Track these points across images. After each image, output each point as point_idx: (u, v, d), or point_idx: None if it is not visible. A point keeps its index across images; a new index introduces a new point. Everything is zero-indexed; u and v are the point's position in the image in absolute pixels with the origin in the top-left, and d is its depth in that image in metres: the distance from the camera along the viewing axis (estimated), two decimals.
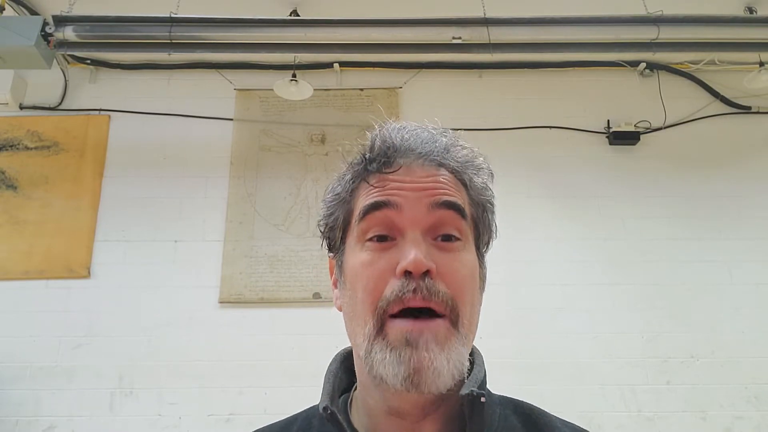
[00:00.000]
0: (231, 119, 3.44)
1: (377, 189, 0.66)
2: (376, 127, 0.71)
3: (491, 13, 2.78)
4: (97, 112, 3.44)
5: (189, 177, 3.34)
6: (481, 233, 0.71)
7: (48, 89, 3.44)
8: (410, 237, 0.63)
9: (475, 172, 0.71)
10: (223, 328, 3.07)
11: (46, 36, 2.70)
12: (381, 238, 0.65)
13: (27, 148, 3.34)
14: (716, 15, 2.84)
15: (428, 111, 3.48)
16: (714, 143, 3.45)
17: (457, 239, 0.66)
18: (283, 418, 0.85)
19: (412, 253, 0.60)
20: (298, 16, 3.14)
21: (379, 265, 0.63)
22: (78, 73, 3.51)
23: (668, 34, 2.78)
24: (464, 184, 0.70)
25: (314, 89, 3.29)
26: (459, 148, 0.71)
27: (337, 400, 0.72)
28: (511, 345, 3.03)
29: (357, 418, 0.71)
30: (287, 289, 3.11)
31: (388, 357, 0.60)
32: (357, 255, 0.66)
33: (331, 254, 0.74)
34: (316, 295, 3.10)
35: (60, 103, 3.45)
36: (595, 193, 3.32)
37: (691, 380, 3.01)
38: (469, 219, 0.68)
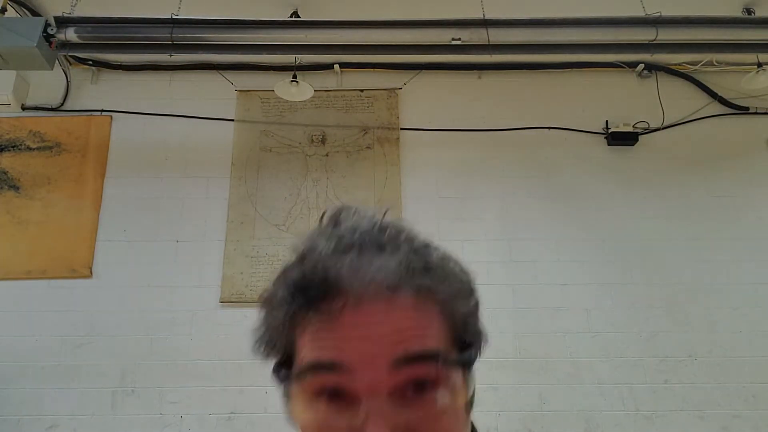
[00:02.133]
0: (232, 120, 3.46)
1: (318, 338, 0.52)
2: (311, 230, 0.56)
3: (490, 15, 2.79)
4: (98, 112, 3.46)
5: (190, 177, 3.35)
6: (467, 349, 0.56)
7: (50, 90, 3.46)
8: (370, 408, 0.49)
9: (448, 283, 0.55)
10: (224, 327, 3.08)
11: (48, 37, 2.71)
12: (333, 394, 0.51)
13: (29, 148, 3.35)
14: (714, 16, 2.85)
15: (428, 112, 3.49)
16: (712, 144, 3.46)
17: (435, 386, 0.51)
18: None
19: None
20: (299, 17, 3.15)
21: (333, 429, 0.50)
22: (80, 74, 3.52)
23: (666, 35, 2.79)
24: (436, 303, 0.54)
25: (315, 90, 3.31)
26: (422, 255, 0.54)
27: None
28: (510, 344, 3.04)
29: None
30: None
31: None
32: (306, 410, 0.52)
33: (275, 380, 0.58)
34: None
35: (62, 104, 3.46)
36: (594, 194, 3.34)
37: (689, 379, 3.03)
38: (448, 347, 0.54)
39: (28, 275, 3.14)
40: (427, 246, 0.56)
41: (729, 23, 2.86)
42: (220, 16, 2.82)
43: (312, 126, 3.46)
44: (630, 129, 3.40)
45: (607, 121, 3.45)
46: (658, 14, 2.79)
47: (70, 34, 2.76)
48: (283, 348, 0.56)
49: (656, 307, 3.15)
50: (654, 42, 2.79)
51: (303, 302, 0.52)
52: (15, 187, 3.28)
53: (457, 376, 0.53)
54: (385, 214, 0.57)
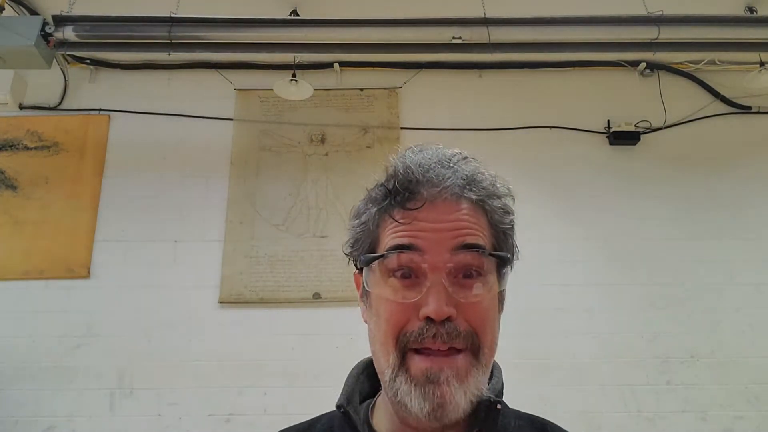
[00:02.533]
0: (231, 119, 3.44)
1: (401, 228, 0.68)
2: (398, 155, 0.73)
3: (491, 13, 2.78)
4: (96, 112, 3.44)
5: (189, 177, 3.34)
6: (503, 259, 0.72)
7: (48, 89, 3.44)
8: (432, 281, 0.65)
9: (495, 199, 0.72)
10: (223, 328, 3.07)
11: (45, 36, 2.70)
12: (405, 275, 0.67)
13: (27, 148, 3.34)
14: (716, 15, 2.84)
15: (428, 111, 3.48)
16: (714, 143, 3.45)
17: (479, 275, 0.68)
18: (308, 418, 0.88)
19: (434, 302, 0.64)
20: (298, 16, 3.14)
21: (402, 302, 0.67)
22: (78, 73, 3.51)
23: (668, 34, 2.78)
24: (485, 213, 0.71)
25: (314, 89, 3.29)
26: (479, 176, 0.72)
27: (356, 402, 0.78)
28: (511, 345, 3.02)
29: (379, 422, 0.75)
30: (287, 289, 3.11)
31: (413, 392, 0.65)
32: (382, 286, 0.69)
33: (357, 271, 0.76)
34: (316, 295, 3.10)
35: (60, 103, 3.45)
36: (595, 193, 3.32)
37: (691, 380, 3.01)
38: (490, 248, 0.70)
39: (26, 275, 3.12)
40: (483, 171, 0.73)
41: (731, 22, 2.85)
42: (219, 15, 2.81)
43: (311, 125, 3.45)
44: (632, 128, 3.38)
45: (608, 121, 3.43)
46: (660, 13, 2.78)
47: (68, 33, 2.75)
48: (369, 240, 0.72)
49: (658, 307, 3.14)
50: (656, 41, 2.78)
51: (393, 200, 0.69)
52: (12, 187, 3.26)
53: (492, 273, 0.69)
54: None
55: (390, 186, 0.70)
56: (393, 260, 0.68)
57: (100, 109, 3.45)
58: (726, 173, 3.38)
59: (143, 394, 2.97)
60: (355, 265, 0.75)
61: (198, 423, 2.92)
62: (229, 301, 3.11)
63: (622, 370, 3.02)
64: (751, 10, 3.18)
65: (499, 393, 0.74)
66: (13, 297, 3.10)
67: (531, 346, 3.04)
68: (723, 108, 3.50)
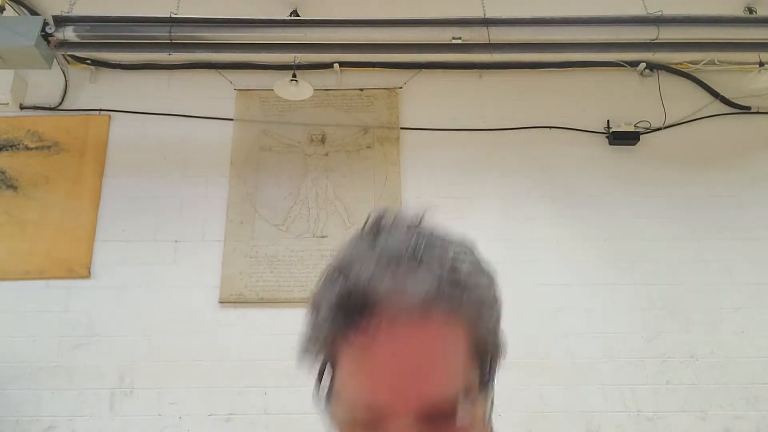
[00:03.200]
0: (231, 119, 3.45)
1: (356, 368, 0.56)
2: (348, 243, 0.60)
3: (491, 14, 2.78)
4: (97, 112, 3.45)
5: (189, 177, 3.34)
6: (488, 369, 0.61)
7: (48, 89, 3.44)
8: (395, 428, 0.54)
9: (474, 293, 0.58)
10: (223, 328, 3.07)
11: (46, 36, 2.70)
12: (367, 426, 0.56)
13: (27, 148, 3.34)
14: (716, 15, 2.84)
15: (428, 111, 3.48)
16: (714, 143, 3.45)
17: (454, 415, 0.56)
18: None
19: None
20: (298, 16, 3.14)
21: None
22: (78, 73, 3.51)
23: (668, 34, 2.78)
24: (462, 321, 0.57)
25: (314, 89, 3.29)
26: (453, 272, 0.57)
27: None
28: (510, 345, 3.01)
29: None
30: (287, 288, 3.12)
31: None
32: (341, 426, 0.59)
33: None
34: None
35: (60, 103, 3.45)
36: (595, 193, 3.32)
37: (691, 380, 3.01)
38: (470, 364, 0.58)
39: (26, 275, 3.12)
40: (458, 255, 0.58)
41: (730, 22, 2.85)
42: (219, 15, 2.81)
43: (311, 125, 3.45)
44: (631, 128, 3.38)
45: (608, 121, 3.43)
46: (660, 13, 2.78)
47: (69, 33, 2.75)
48: (324, 359, 0.61)
49: (658, 307, 3.14)
50: (655, 41, 2.78)
51: (343, 322, 0.55)
52: (13, 187, 3.26)
53: (475, 402, 0.57)
54: (421, 219, 0.62)
55: (337, 297, 0.56)
56: (347, 417, 0.57)
57: (101, 110, 3.45)
58: (725, 173, 3.38)
59: (143, 394, 2.98)
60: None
61: (198, 423, 2.92)
62: (229, 301, 3.11)
63: (621, 370, 3.02)
64: (750, 10, 3.18)
65: None
66: (14, 297, 3.10)
67: (531, 346, 3.04)
68: (722, 108, 3.50)
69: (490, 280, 0.62)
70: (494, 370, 0.61)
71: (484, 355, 0.60)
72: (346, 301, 0.55)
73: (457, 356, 0.56)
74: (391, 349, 0.53)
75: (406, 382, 0.53)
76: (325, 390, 0.61)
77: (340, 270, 0.57)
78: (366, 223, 0.61)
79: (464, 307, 0.56)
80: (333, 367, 0.60)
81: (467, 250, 0.61)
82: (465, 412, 0.55)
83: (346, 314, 0.55)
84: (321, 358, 0.61)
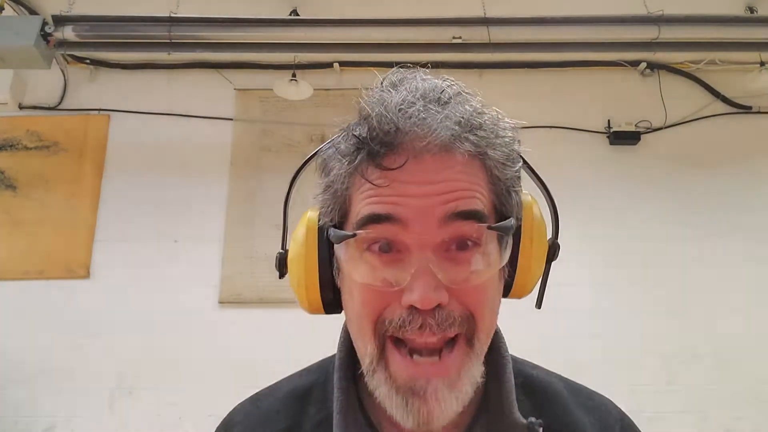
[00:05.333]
0: (231, 119, 3.44)
1: (376, 194, 0.55)
2: (371, 93, 0.58)
3: (491, 13, 2.78)
4: (96, 111, 3.44)
5: (189, 177, 3.33)
6: (505, 218, 0.59)
7: (47, 89, 3.43)
8: (418, 260, 0.53)
9: (498, 149, 0.58)
10: (223, 328, 3.07)
11: (45, 36, 2.70)
12: (384, 248, 0.56)
13: (26, 148, 3.33)
14: (717, 15, 2.84)
15: None
16: (715, 143, 3.44)
17: (476, 245, 0.56)
18: (296, 378, 0.80)
19: (420, 289, 0.52)
20: (298, 15, 3.13)
21: (381, 283, 0.55)
22: (77, 73, 3.50)
23: (669, 33, 2.78)
24: (484, 167, 0.58)
25: (314, 89, 3.29)
26: (477, 118, 0.57)
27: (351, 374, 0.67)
28: (510, 344, 3.02)
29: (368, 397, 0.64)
30: (287, 289, 3.08)
31: (394, 399, 0.56)
32: (356, 263, 0.57)
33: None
34: None
35: (59, 103, 3.44)
36: (596, 193, 3.32)
37: (692, 380, 3.01)
38: (490, 211, 0.58)
39: (25, 275, 3.12)
40: (483, 110, 0.58)
41: (732, 22, 2.85)
42: (219, 15, 2.81)
43: (311, 125, 3.44)
44: (632, 128, 3.37)
45: (609, 121, 3.43)
46: (661, 12, 2.78)
47: (68, 33, 2.75)
48: (339, 206, 0.60)
49: (658, 307, 3.13)
50: (656, 41, 2.78)
51: (367, 155, 0.55)
52: (12, 187, 3.26)
53: (493, 243, 0.57)
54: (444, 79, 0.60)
55: (361, 136, 0.56)
56: (367, 236, 0.55)
57: (100, 109, 3.44)
58: (726, 173, 3.37)
59: (143, 394, 2.97)
60: (327, 239, 0.61)
61: (198, 423, 2.92)
62: (229, 301, 3.11)
63: (621, 370, 3.02)
64: (751, 9, 3.17)
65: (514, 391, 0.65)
66: (13, 297, 3.09)
67: (530, 346, 3.03)
68: (723, 108, 3.49)
69: (513, 135, 0.61)
70: (510, 228, 0.58)
71: (503, 205, 0.59)
72: (373, 134, 0.54)
73: (479, 191, 0.56)
74: (414, 178, 0.54)
75: (431, 197, 0.53)
76: (339, 238, 0.58)
77: (363, 115, 0.57)
78: (383, 81, 0.60)
79: (486, 153, 0.57)
80: (346, 214, 0.59)
81: (490, 106, 0.61)
82: (483, 253, 0.55)
83: (371, 149, 0.55)
84: (334, 208, 0.61)
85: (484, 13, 2.78)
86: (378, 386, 0.57)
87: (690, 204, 3.30)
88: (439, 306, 0.53)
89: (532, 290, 0.68)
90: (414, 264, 0.53)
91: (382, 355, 0.57)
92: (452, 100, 0.57)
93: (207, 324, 3.07)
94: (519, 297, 0.68)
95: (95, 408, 2.94)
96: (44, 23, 2.70)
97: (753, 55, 3.23)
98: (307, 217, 0.68)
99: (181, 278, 3.15)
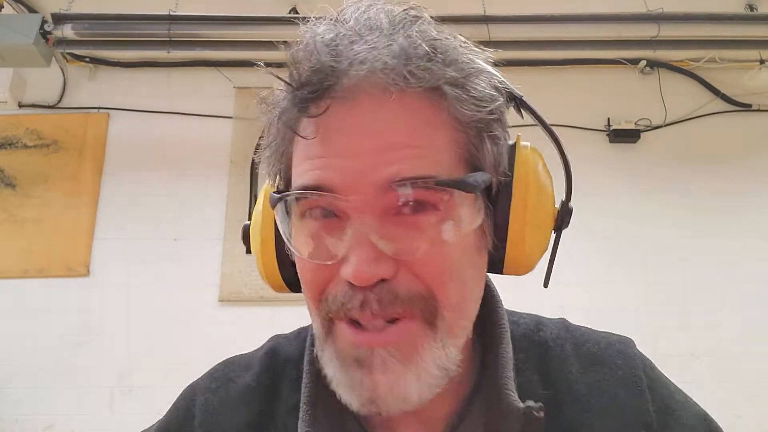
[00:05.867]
0: (230, 117, 3.44)
1: (306, 153, 0.47)
2: (309, 23, 0.50)
3: (491, 11, 2.77)
4: (96, 110, 3.43)
5: (188, 175, 3.33)
6: (479, 168, 0.48)
7: (47, 87, 3.43)
8: (354, 228, 0.44)
9: (455, 79, 0.46)
10: (222, 326, 3.07)
11: (44, 34, 2.70)
12: (326, 214, 0.47)
13: (26, 146, 3.33)
14: (717, 13, 2.84)
15: None
16: (714, 141, 3.44)
17: (433, 208, 0.45)
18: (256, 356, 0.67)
19: (354, 261, 0.44)
20: (298, 14, 3.13)
21: (319, 256, 0.47)
22: (77, 71, 3.50)
23: (668, 31, 2.78)
24: (439, 105, 0.46)
25: None
26: (432, 44, 0.45)
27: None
28: None
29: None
30: None
31: (339, 376, 0.48)
32: (297, 229, 0.49)
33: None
34: None
35: (59, 101, 3.43)
36: (595, 192, 3.31)
37: (692, 379, 3.00)
38: (454, 165, 0.47)
39: (25, 274, 3.11)
40: (442, 37, 0.46)
41: (731, 20, 2.85)
42: (218, 13, 2.81)
43: None
44: (632, 126, 3.37)
45: (608, 119, 3.42)
46: (661, 10, 2.77)
47: (67, 31, 2.75)
48: (280, 164, 0.52)
49: (658, 306, 3.13)
50: (656, 38, 2.78)
51: (293, 103, 0.48)
52: (11, 185, 3.25)
53: (464, 205, 0.46)
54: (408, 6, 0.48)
55: (289, 78, 0.48)
56: (302, 202, 0.47)
57: (99, 107, 3.44)
58: (726, 171, 3.37)
59: (143, 393, 2.97)
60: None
61: None
62: (229, 299, 3.10)
63: None
64: (751, 8, 3.17)
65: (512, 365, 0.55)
66: (12, 295, 3.09)
67: None
68: (723, 106, 3.49)
69: (482, 65, 0.49)
70: (488, 180, 0.47)
71: (476, 152, 0.48)
72: (296, 80, 0.46)
73: (435, 142, 0.45)
74: (345, 127, 0.44)
75: (365, 160, 0.43)
76: (273, 202, 0.49)
77: (290, 58, 0.48)
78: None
79: (444, 87, 0.45)
80: (289, 171, 0.50)
81: (454, 34, 0.49)
82: (445, 216, 0.45)
83: (296, 98, 0.47)
84: (277, 170, 0.52)
85: (484, 11, 2.77)
86: (327, 366, 0.49)
87: (690, 201, 3.30)
88: (383, 281, 0.44)
89: (533, 266, 0.56)
90: (350, 233, 0.44)
91: (329, 330, 0.49)
92: (399, 29, 0.45)
93: (207, 322, 3.07)
94: (517, 274, 0.55)
95: (95, 407, 2.94)
96: (44, 21, 2.70)
97: (753, 53, 3.23)
98: (266, 186, 0.58)
99: (181, 276, 3.15)
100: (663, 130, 3.44)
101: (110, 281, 3.13)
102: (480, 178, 0.47)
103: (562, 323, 0.69)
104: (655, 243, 3.23)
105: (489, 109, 0.48)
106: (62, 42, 2.77)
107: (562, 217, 0.59)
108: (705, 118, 3.47)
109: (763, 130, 3.46)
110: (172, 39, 2.78)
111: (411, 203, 0.45)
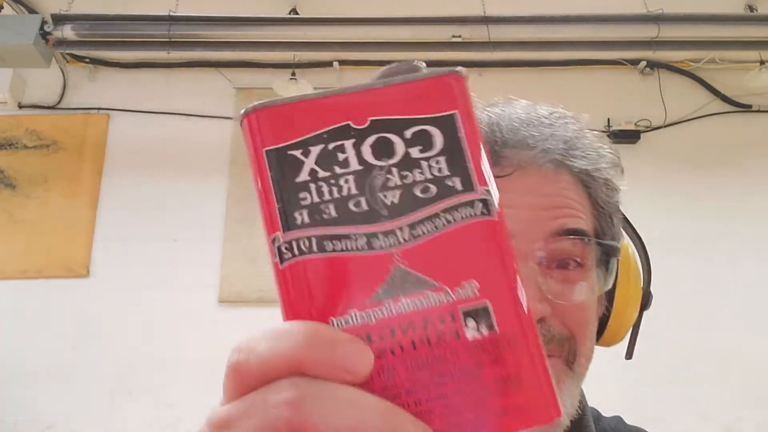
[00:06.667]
0: (230, 118, 3.43)
1: None
2: (480, 109, 0.59)
3: (491, 12, 2.78)
4: (95, 110, 3.43)
5: (188, 175, 3.33)
6: (611, 249, 0.57)
7: (47, 88, 3.43)
8: (522, 271, 0.50)
9: (602, 171, 0.57)
10: (222, 327, 3.06)
11: (44, 34, 2.70)
12: None
13: (25, 147, 3.33)
14: (717, 13, 2.84)
15: None
16: (714, 142, 3.44)
17: (579, 266, 0.53)
18: None
19: None
20: (298, 14, 3.13)
21: None
22: (77, 72, 3.49)
23: (668, 32, 2.78)
24: (587, 189, 0.56)
25: (314, 88, 3.28)
26: (584, 140, 0.56)
27: None
28: None
29: None
30: None
31: None
32: None
33: None
34: None
35: (59, 102, 3.43)
36: None
37: (692, 380, 3.00)
38: (593, 235, 0.56)
39: (24, 275, 3.11)
40: (587, 134, 0.58)
41: (731, 20, 2.86)
42: (218, 13, 2.81)
43: None
44: (632, 127, 3.37)
45: (608, 119, 3.42)
46: (660, 11, 2.77)
47: (67, 32, 2.75)
48: None
49: (658, 306, 3.10)
50: (656, 39, 2.78)
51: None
52: (11, 186, 3.25)
53: (595, 268, 0.55)
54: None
55: (488, 136, 0.56)
56: None
57: (99, 108, 3.44)
58: (726, 172, 3.37)
59: (142, 394, 2.97)
60: None
61: (197, 423, 2.91)
62: (229, 300, 3.10)
63: (622, 371, 3.01)
64: (751, 8, 3.17)
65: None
66: (12, 296, 3.09)
67: None
68: (723, 107, 3.49)
69: (615, 161, 0.59)
70: (612, 253, 0.56)
71: (605, 237, 0.57)
72: (500, 145, 0.54)
73: (584, 212, 0.55)
74: (522, 187, 0.52)
75: (539, 210, 0.52)
76: None
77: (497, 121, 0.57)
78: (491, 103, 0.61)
79: (591, 178, 0.56)
80: None
81: (592, 131, 0.60)
82: (586, 276, 0.53)
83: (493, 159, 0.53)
84: None
85: (484, 12, 2.77)
86: None
87: (690, 202, 3.30)
88: (541, 320, 0.51)
89: (623, 338, 0.68)
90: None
91: None
92: (558, 121, 0.57)
93: (207, 323, 3.07)
94: (608, 344, 0.66)
95: (94, 408, 2.94)
96: (43, 22, 2.70)
97: (753, 54, 3.23)
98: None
99: (181, 277, 3.15)
100: (663, 131, 3.44)
101: (110, 282, 3.13)
102: (618, 245, 0.58)
103: (619, 420, 0.80)
104: (655, 243, 3.21)
105: (617, 198, 0.60)
106: (62, 42, 2.77)
107: (647, 299, 0.68)
108: (705, 119, 3.47)
109: (763, 130, 3.46)
110: (172, 39, 2.78)
111: (562, 260, 0.53)
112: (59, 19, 2.74)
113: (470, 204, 0.29)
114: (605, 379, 2.99)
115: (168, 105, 3.44)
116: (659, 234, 3.24)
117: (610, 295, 0.60)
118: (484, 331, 0.27)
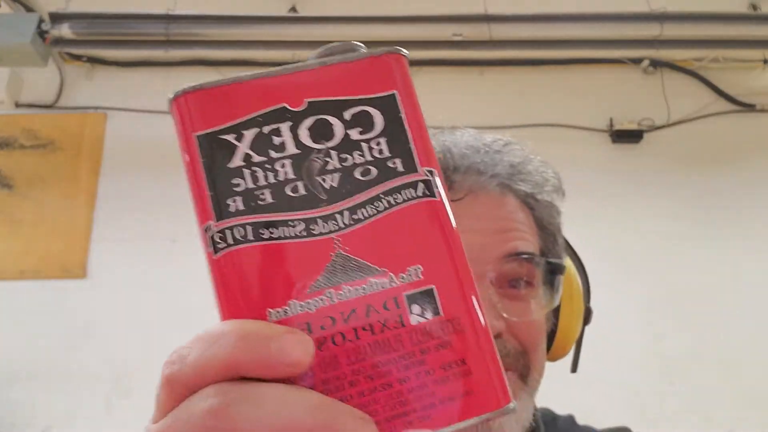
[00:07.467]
0: None
1: None
2: (438, 141, 0.62)
3: (492, 10, 2.76)
4: (93, 110, 3.41)
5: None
6: (557, 267, 0.61)
7: (44, 87, 3.41)
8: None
9: (545, 194, 0.62)
10: None
11: (41, 33, 2.68)
12: None
13: (22, 146, 3.31)
14: (720, 12, 2.82)
15: (428, 109, 3.43)
16: (718, 141, 3.42)
17: (529, 285, 0.58)
18: None
19: None
20: (297, 13, 3.11)
21: None
22: (74, 71, 3.47)
23: (672, 31, 2.77)
24: (532, 211, 0.61)
25: None
26: (529, 165, 0.61)
27: None
28: None
29: None
30: None
31: None
32: None
33: None
34: None
35: (56, 101, 3.41)
36: (597, 192, 3.29)
37: (695, 381, 2.98)
38: (539, 255, 0.60)
39: (21, 275, 3.10)
40: (532, 158, 0.62)
41: (735, 19, 2.85)
42: (217, 12, 2.79)
43: None
44: (635, 126, 3.35)
45: (611, 119, 3.40)
46: (664, 10, 2.76)
47: (65, 30, 2.74)
48: None
49: (661, 307, 3.11)
50: (659, 38, 2.77)
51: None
52: (8, 186, 3.23)
53: (543, 286, 0.59)
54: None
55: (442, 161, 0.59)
56: None
57: (97, 107, 3.42)
58: (730, 171, 3.35)
59: (141, 395, 2.94)
60: None
61: None
62: None
63: (624, 371, 2.99)
64: (755, 7, 3.15)
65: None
66: (9, 297, 3.07)
67: None
68: (726, 106, 3.47)
69: (557, 185, 0.65)
70: (557, 273, 0.59)
71: (549, 255, 0.61)
72: (452, 171, 0.57)
73: (531, 234, 0.59)
74: (471, 212, 0.55)
75: (488, 235, 0.55)
76: None
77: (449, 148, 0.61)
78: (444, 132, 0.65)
79: (536, 200, 0.60)
80: None
81: (534, 154, 0.64)
82: (536, 294, 0.56)
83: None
84: None
85: (485, 10, 2.76)
86: None
87: (693, 202, 3.28)
88: (497, 336, 0.53)
89: (568, 352, 0.72)
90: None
91: None
92: (505, 148, 0.61)
93: (205, 324, 3.04)
94: (555, 359, 0.69)
95: (92, 409, 2.92)
96: (40, 21, 2.69)
97: (757, 53, 3.22)
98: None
99: (180, 278, 3.12)
100: (666, 131, 3.42)
101: (107, 283, 3.11)
102: (564, 263, 0.62)
103: (571, 419, 0.83)
104: (657, 243, 3.21)
105: (559, 220, 0.65)
106: (59, 41, 2.76)
107: (588, 314, 0.73)
108: (708, 119, 3.44)
109: (766, 130, 3.44)
110: (171, 38, 2.77)
111: (513, 280, 0.56)
112: (56, 18, 2.73)
113: (412, 185, 0.28)
114: (608, 381, 2.99)
115: (166, 104, 3.40)
116: (662, 234, 3.23)
117: (555, 312, 0.64)
118: (429, 315, 0.26)
